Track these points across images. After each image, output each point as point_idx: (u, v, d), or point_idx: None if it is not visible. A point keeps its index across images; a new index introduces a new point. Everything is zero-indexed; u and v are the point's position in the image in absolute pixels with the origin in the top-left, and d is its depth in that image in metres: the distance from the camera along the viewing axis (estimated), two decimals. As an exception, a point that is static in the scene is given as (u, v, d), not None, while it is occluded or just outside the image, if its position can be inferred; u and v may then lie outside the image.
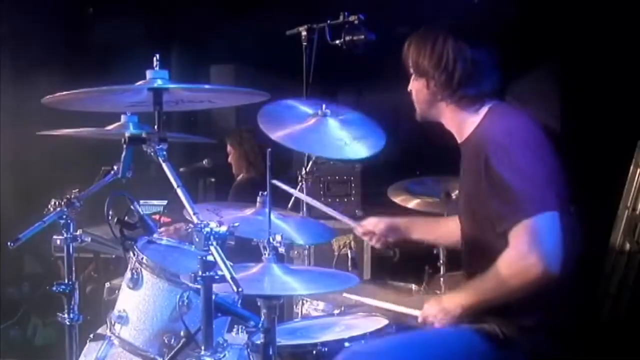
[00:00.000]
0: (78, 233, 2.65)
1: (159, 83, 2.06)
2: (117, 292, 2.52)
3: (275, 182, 2.65)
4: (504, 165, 2.19)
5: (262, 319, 1.96)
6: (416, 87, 2.45)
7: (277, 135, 2.63)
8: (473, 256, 2.43)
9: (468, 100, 2.36)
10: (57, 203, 2.61)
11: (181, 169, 4.82)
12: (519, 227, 2.16)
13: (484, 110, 2.37)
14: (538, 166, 2.22)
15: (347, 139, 2.73)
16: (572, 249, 2.21)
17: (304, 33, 3.28)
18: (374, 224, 2.78)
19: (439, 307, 2.32)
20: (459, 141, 2.47)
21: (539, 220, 2.16)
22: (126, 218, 2.50)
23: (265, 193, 2.27)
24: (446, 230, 2.78)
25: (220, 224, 1.82)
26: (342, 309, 2.84)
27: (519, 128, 2.28)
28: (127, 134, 2.15)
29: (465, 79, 2.33)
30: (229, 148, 4.95)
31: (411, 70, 2.46)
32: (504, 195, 2.19)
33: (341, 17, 3.25)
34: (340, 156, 2.81)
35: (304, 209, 3.20)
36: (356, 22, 3.22)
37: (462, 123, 2.41)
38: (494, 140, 2.25)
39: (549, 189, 2.20)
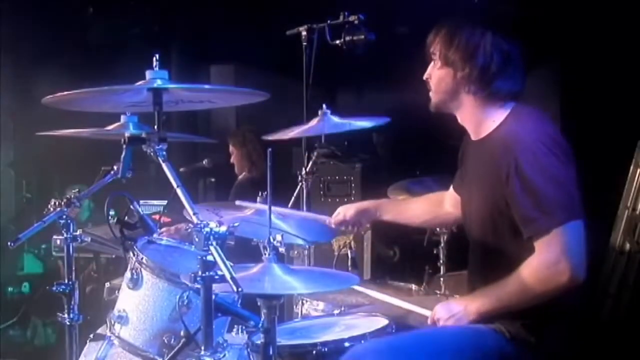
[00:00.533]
0: (78, 233, 2.65)
1: (158, 83, 2.05)
2: (117, 292, 2.52)
3: (238, 202, 2.80)
4: (535, 171, 2.17)
5: (262, 319, 1.95)
6: (439, 75, 2.38)
7: (286, 136, 2.75)
8: (484, 260, 2.39)
9: (496, 96, 2.32)
10: (57, 203, 2.61)
11: (181, 169, 4.83)
12: (548, 235, 2.15)
13: (507, 110, 2.33)
14: (567, 173, 2.21)
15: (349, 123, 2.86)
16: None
17: (304, 33, 3.28)
18: (344, 212, 2.79)
19: (454, 311, 2.30)
20: (474, 138, 2.43)
21: (569, 229, 2.15)
22: (126, 218, 2.50)
23: (265, 193, 2.27)
24: (415, 212, 2.84)
25: (220, 224, 1.82)
26: (342, 309, 2.84)
27: (547, 133, 2.24)
28: (126, 134, 2.15)
29: (499, 74, 2.29)
30: (231, 148, 4.95)
31: (434, 58, 2.39)
32: (535, 201, 2.16)
33: (341, 17, 3.25)
34: (348, 129, 2.91)
35: (304, 208, 3.20)
36: (356, 22, 3.22)
37: (482, 120, 2.36)
38: (524, 144, 2.21)
39: (577, 197, 2.20)
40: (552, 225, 2.15)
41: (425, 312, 2.40)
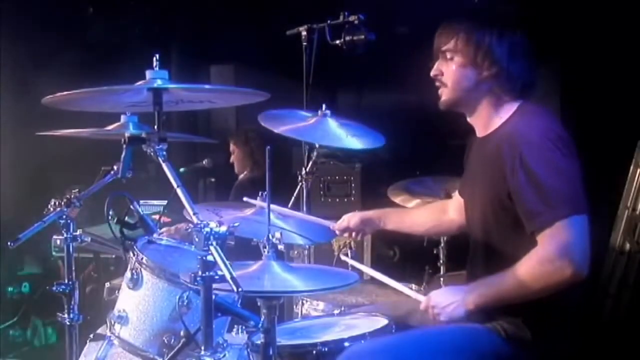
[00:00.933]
0: (78, 233, 2.65)
1: (158, 83, 2.05)
2: (117, 292, 2.53)
3: (246, 199, 2.81)
4: (540, 165, 2.17)
5: (262, 319, 1.96)
6: (460, 73, 2.35)
7: (279, 129, 2.70)
8: (486, 257, 2.37)
9: (516, 93, 2.33)
10: (57, 203, 2.61)
11: (181, 169, 4.83)
12: (552, 228, 2.14)
13: (513, 107, 2.35)
14: (572, 168, 2.21)
15: (345, 135, 2.81)
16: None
17: (304, 33, 3.28)
18: (348, 219, 2.80)
19: (451, 299, 2.27)
20: (480, 135, 2.43)
21: (572, 223, 2.14)
22: (126, 218, 2.50)
23: (265, 192, 2.27)
24: (418, 220, 2.85)
25: (220, 224, 1.82)
26: (342, 309, 2.84)
27: (552, 129, 2.25)
28: (126, 134, 2.15)
29: (523, 73, 2.32)
30: (232, 147, 4.96)
31: (451, 55, 2.36)
32: (539, 195, 2.16)
33: (341, 17, 3.24)
34: (339, 145, 2.86)
35: (304, 208, 3.20)
36: (356, 22, 3.21)
37: (491, 117, 2.37)
38: (529, 138, 2.22)
39: (581, 192, 2.20)
40: (557, 218, 2.13)
41: (419, 297, 2.39)
